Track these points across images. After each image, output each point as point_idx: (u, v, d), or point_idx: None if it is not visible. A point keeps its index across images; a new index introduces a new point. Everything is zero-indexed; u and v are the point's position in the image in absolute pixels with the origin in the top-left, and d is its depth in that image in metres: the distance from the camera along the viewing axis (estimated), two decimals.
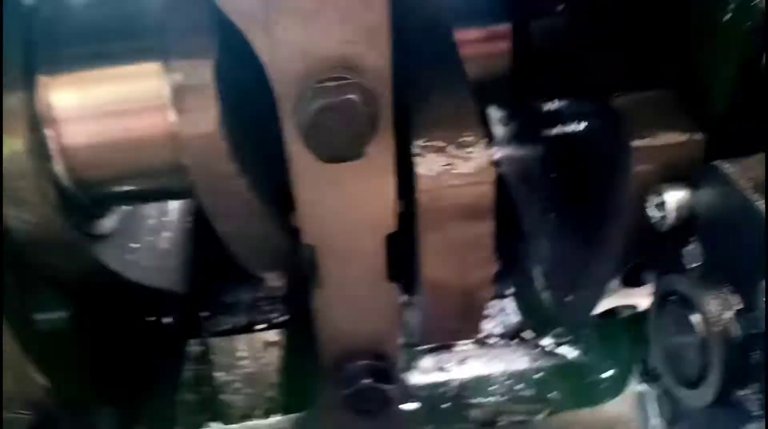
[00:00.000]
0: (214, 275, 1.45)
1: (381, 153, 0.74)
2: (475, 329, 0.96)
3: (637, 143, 0.77)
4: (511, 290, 1.39)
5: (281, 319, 1.41)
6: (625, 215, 0.81)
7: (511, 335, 1.30)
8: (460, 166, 0.77)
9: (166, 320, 1.34)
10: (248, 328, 1.40)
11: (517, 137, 1.24)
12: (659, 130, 0.77)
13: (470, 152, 0.78)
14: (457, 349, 1.29)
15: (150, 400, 1.16)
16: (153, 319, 1.32)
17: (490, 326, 1.34)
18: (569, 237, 1.02)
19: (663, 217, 0.74)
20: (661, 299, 0.76)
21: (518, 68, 1.13)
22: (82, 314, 0.91)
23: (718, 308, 0.66)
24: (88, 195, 0.81)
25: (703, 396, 0.70)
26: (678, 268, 0.76)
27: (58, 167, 0.76)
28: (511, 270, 1.40)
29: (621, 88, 0.81)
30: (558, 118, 1.02)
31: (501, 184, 1.34)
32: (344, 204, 0.77)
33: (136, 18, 0.77)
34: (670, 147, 0.77)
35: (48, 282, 0.85)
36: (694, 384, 0.71)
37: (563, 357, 1.26)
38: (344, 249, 0.82)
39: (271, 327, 1.39)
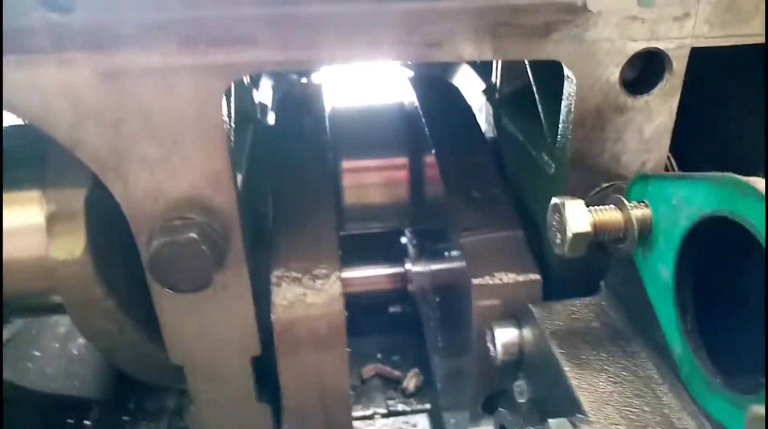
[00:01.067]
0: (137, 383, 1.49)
1: (236, 282, 0.81)
2: None
3: (476, 281, 0.83)
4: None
5: None
6: (473, 348, 0.86)
7: None
8: (313, 297, 0.84)
9: (87, 423, 1.38)
10: None
11: (419, 258, 1.32)
12: (497, 270, 0.83)
13: (323, 284, 0.85)
14: None
15: None
16: (74, 422, 1.35)
17: None
18: (450, 359, 1.07)
19: (495, 351, 0.79)
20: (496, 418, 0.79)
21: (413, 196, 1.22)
22: None
23: None
24: None
25: None
26: (510, 402, 0.80)
27: None
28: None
29: (472, 229, 0.89)
30: (435, 248, 1.09)
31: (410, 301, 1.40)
32: (205, 328, 0.83)
33: (19, 149, 0.86)
34: (508, 286, 0.83)
35: None
36: None
37: None
38: (210, 369, 0.87)
39: None
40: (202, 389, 0.89)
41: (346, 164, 1.27)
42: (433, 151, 1.03)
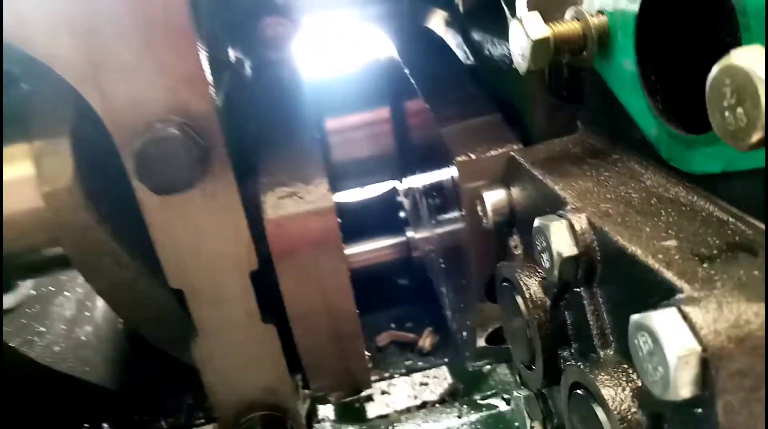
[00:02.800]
0: (157, 379, 1.47)
1: (224, 190, 0.82)
2: (362, 373, 0.97)
3: (459, 158, 0.84)
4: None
5: None
6: (467, 225, 0.86)
7: (444, 398, 1.28)
8: (302, 195, 0.85)
9: (105, 426, 1.35)
10: (187, 426, 1.39)
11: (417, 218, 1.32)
12: (478, 146, 0.84)
13: (310, 185, 0.86)
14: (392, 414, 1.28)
15: None
16: (90, 423, 1.33)
17: (425, 394, 1.32)
18: (456, 279, 1.06)
19: (486, 218, 0.79)
20: (500, 289, 0.78)
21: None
22: None
23: (530, 282, 0.70)
24: None
25: (537, 374, 0.70)
26: (508, 257, 0.80)
27: None
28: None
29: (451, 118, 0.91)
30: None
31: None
32: (199, 242, 0.84)
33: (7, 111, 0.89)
34: (490, 158, 0.84)
35: None
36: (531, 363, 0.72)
37: (494, 407, 1.24)
38: (211, 290, 0.87)
39: (209, 421, 1.39)
40: (205, 315, 0.88)
41: (329, 123, 1.30)
42: (414, 84, 1.06)
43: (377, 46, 1.35)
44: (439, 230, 1.07)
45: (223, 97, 0.91)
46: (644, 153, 0.64)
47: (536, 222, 0.60)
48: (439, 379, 1.34)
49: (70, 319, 1.16)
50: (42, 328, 1.06)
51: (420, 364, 1.40)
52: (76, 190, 0.81)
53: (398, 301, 1.60)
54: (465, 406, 1.25)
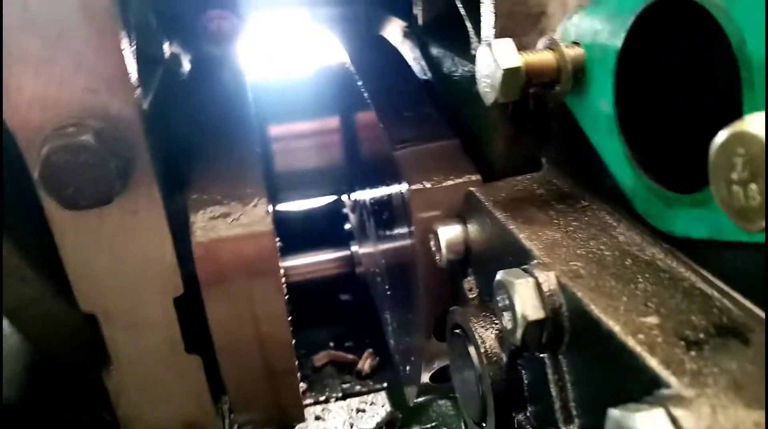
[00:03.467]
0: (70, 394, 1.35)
1: (148, 207, 0.72)
2: (295, 408, 0.89)
3: (413, 187, 0.77)
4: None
5: None
6: (418, 259, 0.79)
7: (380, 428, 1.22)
8: (237, 216, 0.76)
9: None
10: None
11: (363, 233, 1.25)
12: (434, 175, 0.77)
13: (247, 204, 0.77)
14: None
15: None
16: None
17: (362, 422, 1.25)
18: (402, 311, 0.99)
19: (440, 254, 0.73)
20: (450, 334, 0.72)
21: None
22: None
23: (486, 335, 0.63)
24: None
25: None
26: (461, 301, 0.73)
27: None
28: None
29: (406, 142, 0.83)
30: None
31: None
32: (116, 263, 0.74)
33: None
34: (446, 188, 0.77)
35: None
36: (481, 420, 0.66)
37: None
38: (127, 315, 0.77)
39: None
40: (121, 341, 0.79)
41: (274, 130, 1.21)
42: (364, 94, 0.99)
43: (328, 50, 1.27)
44: (388, 256, 1.00)
45: (152, 99, 0.81)
46: (616, 203, 0.58)
47: (499, 275, 0.53)
48: (376, 406, 1.28)
49: None
50: None
51: (358, 387, 1.33)
52: None
53: (339, 318, 1.52)
54: None
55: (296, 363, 0.85)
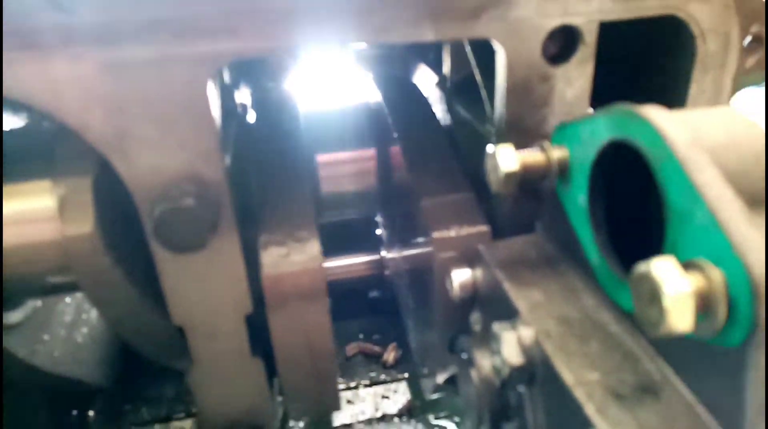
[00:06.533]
0: (141, 371, 1.59)
1: (229, 247, 0.93)
2: (334, 400, 1.11)
3: (436, 235, 0.96)
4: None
5: None
6: (436, 292, 0.99)
7: (401, 413, 1.43)
8: (295, 256, 0.96)
9: (91, 413, 1.47)
10: (167, 419, 1.53)
11: (392, 242, 1.45)
12: (453, 224, 0.97)
13: (304, 245, 0.97)
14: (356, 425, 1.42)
15: None
16: (78, 412, 1.45)
17: (386, 407, 1.47)
18: (422, 321, 1.19)
19: (453, 291, 0.92)
20: (458, 356, 0.92)
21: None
22: None
23: (484, 363, 0.83)
24: None
25: None
26: (468, 329, 0.93)
27: None
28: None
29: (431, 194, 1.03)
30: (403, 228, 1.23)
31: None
32: (203, 289, 0.95)
33: (29, 147, 0.97)
34: (462, 237, 0.96)
35: None
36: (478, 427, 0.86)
37: None
38: (208, 328, 0.99)
39: (188, 416, 1.52)
40: (202, 347, 1.00)
41: (320, 158, 1.41)
42: (396, 136, 1.17)
43: (365, 90, 1.45)
44: (411, 277, 1.20)
45: (231, 155, 1.01)
46: (587, 271, 0.77)
47: (494, 327, 0.73)
48: (398, 394, 1.49)
49: (70, 323, 1.26)
50: (46, 336, 1.16)
51: (383, 377, 1.55)
52: (95, 238, 0.91)
53: (368, 313, 1.74)
54: (419, 424, 1.41)
55: (337, 366, 1.06)
